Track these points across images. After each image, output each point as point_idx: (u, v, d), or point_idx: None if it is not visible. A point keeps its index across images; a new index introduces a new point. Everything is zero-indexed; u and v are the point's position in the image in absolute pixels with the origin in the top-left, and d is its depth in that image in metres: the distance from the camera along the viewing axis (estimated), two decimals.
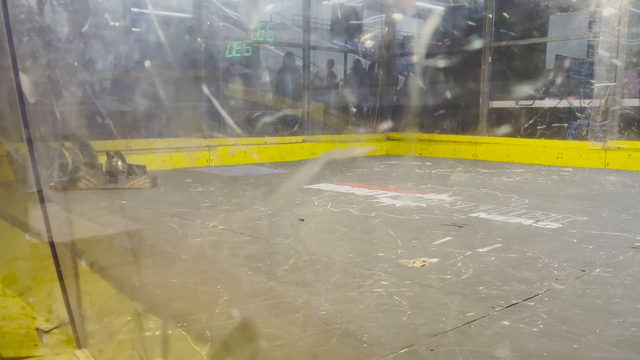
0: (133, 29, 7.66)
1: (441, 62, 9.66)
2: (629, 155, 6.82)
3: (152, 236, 3.23)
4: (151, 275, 2.47)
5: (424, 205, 4.33)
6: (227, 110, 8.14)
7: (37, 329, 1.37)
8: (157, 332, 1.79)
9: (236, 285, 2.33)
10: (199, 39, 7.64)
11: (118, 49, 7.39)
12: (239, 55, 8.80)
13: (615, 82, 7.07)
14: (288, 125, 8.93)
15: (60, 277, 1.26)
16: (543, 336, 1.81)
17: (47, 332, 1.36)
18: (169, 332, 1.80)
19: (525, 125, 8.09)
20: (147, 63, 7.50)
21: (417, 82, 9.87)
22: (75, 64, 6.69)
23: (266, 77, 9.25)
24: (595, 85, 7.26)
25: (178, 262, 2.69)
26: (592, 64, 7.43)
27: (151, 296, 2.17)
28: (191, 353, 1.68)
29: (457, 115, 8.99)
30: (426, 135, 9.21)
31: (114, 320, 1.85)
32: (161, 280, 2.40)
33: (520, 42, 8.31)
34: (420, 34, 10.36)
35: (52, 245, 1.27)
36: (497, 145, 8.16)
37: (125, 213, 3.99)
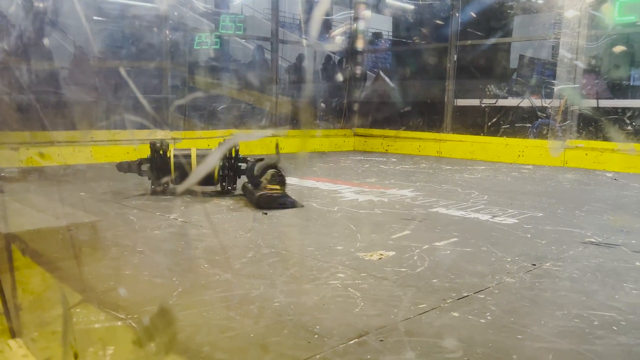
0: (96, 18, 7.48)
1: (409, 60, 9.77)
2: (586, 154, 7.03)
3: (109, 228, 3.18)
4: (104, 268, 2.44)
5: (386, 200, 4.38)
6: (194, 102, 8.04)
7: None
8: (96, 323, 1.77)
9: (192, 278, 2.31)
10: (166, 30, 7.52)
11: (80, 38, 7.22)
12: (207, 47, 8.70)
13: (575, 83, 7.27)
14: (256, 119, 8.88)
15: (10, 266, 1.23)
16: (490, 327, 1.86)
17: None
18: (109, 323, 1.78)
19: (489, 124, 8.25)
20: (111, 53, 7.35)
21: (385, 79, 9.95)
22: (35, 52, 6.50)
23: (234, 70, 9.19)
24: (556, 85, 7.45)
25: (134, 254, 2.65)
26: (554, 64, 7.62)
27: (102, 288, 2.14)
28: (127, 343, 1.66)
29: (422, 112, 9.11)
30: (392, 132, 9.29)
31: (51, 310, 1.82)
32: (114, 272, 2.36)
33: (485, 42, 8.45)
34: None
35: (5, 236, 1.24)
36: (460, 143, 8.30)
37: (83, 205, 3.91)
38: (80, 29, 7.21)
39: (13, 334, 1.23)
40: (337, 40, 10.46)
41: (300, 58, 9.88)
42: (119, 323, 1.80)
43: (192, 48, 8.32)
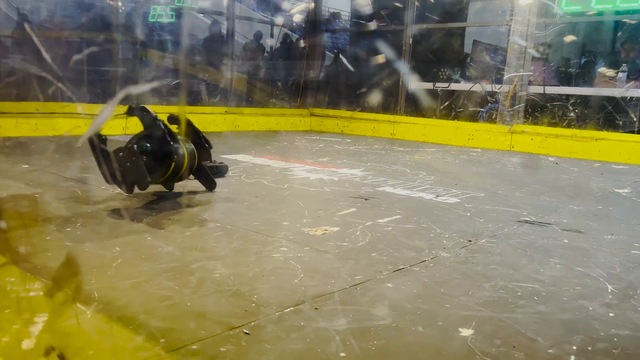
0: None
1: (366, 42, 9.82)
2: (532, 139, 7.30)
3: (51, 201, 3.12)
4: (45, 240, 2.40)
5: (336, 179, 4.45)
6: (146, 76, 7.86)
7: None
8: (20, 285, 1.76)
9: (133, 250, 2.31)
10: (118, 1, 7.29)
11: (25, 6, 6.91)
12: (162, 20, 8.49)
13: (524, 69, 7.51)
14: (210, 95, 8.77)
15: None
16: (420, 297, 1.95)
17: None
18: (36, 286, 1.78)
19: (441, 107, 8.43)
20: (58, 23, 7.07)
21: (342, 60, 9.97)
22: None
23: (190, 45, 9.00)
24: (506, 71, 7.67)
25: (75, 226, 2.62)
26: (505, 51, 7.83)
27: (39, 260, 2.12)
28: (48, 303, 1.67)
29: (378, 94, 9.21)
30: (348, 113, 9.36)
31: None
32: (56, 244, 2.34)
33: (440, 26, 8.59)
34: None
35: None
36: (413, 125, 8.46)
37: (26, 177, 3.81)
38: None
39: None
40: (296, 19, 10.39)
41: (257, 35, 9.77)
42: (41, 292, 1.79)
43: (146, 20, 8.10)
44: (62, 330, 1.52)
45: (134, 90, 6.57)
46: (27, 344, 1.41)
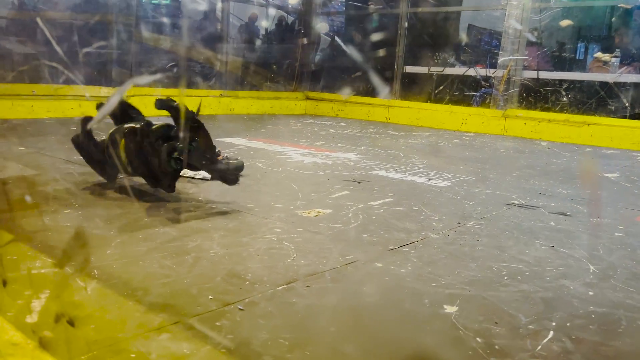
0: None
1: (361, 25, 9.80)
2: (525, 123, 7.37)
3: (48, 182, 3.17)
4: (43, 220, 2.46)
5: (330, 162, 4.51)
6: (141, 58, 7.85)
7: None
8: (26, 263, 1.83)
9: (130, 231, 2.37)
10: None
11: None
12: (157, 1, 8.45)
13: (518, 54, 7.54)
14: (205, 78, 8.77)
15: None
16: (409, 276, 2.03)
17: None
18: (39, 264, 1.85)
19: (436, 91, 8.47)
20: (53, 4, 7.03)
21: (338, 43, 9.97)
22: None
23: (185, 27, 8.97)
24: (500, 56, 7.70)
25: (72, 207, 2.68)
26: (500, 35, 7.86)
27: (38, 239, 2.18)
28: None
29: (373, 78, 9.23)
30: (343, 97, 9.39)
31: None
32: (53, 224, 2.39)
33: (435, 10, 8.59)
34: None
35: None
36: (408, 110, 8.50)
37: (23, 159, 3.85)
38: None
39: None
40: (292, 1, 10.35)
41: (252, 17, 9.74)
42: (47, 268, 1.86)
43: (141, 1, 8.07)
44: (69, 302, 1.59)
45: (140, 80, 6.55)
46: (36, 312, 1.48)
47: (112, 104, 2.81)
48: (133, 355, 1.35)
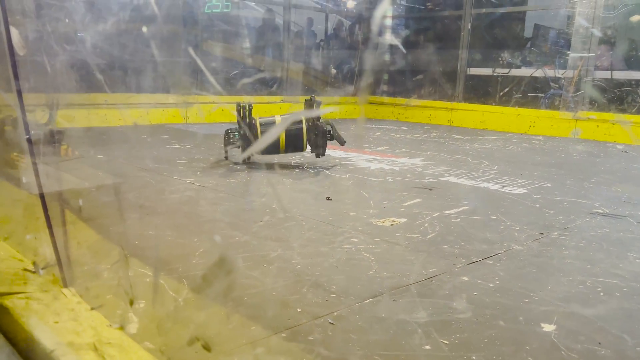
0: None
1: (422, 27, 9.67)
2: (598, 126, 7.03)
3: (128, 190, 3.28)
4: (128, 228, 2.54)
5: (397, 168, 4.45)
6: (205, 67, 8.05)
7: (26, 269, 1.44)
8: (140, 275, 1.88)
9: (212, 239, 2.41)
10: None
11: (96, 2, 7.20)
12: (218, 11, 8.64)
13: (589, 53, 7.20)
14: (267, 85, 8.89)
15: (49, 224, 1.33)
16: (498, 291, 1.95)
17: (34, 272, 1.44)
18: (151, 275, 1.89)
19: (501, 93, 8.22)
20: (123, 17, 7.32)
21: (398, 46, 9.86)
22: (57, 15, 6.50)
23: (245, 35, 9.14)
24: (570, 56, 7.38)
25: (154, 215, 2.76)
26: (569, 34, 7.54)
27: (129, 246, 2.25)
28: (171, 292, 1.77)
29: (434, 81, 9.07)
30: (403, 100, 9.28)
31: (99, 262, 1.93)
32: (138, 232, 2.47)
33: (500, 10, 8.34)
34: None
35: (42, 195, 1.34)
36: (472, 112, 8.29)
37: (103, 167, 4.01)
38: None
39: (65, 284, 1.34)
40: (350, 5, 10.34)
41: (310, 23, 9.79)
42: (147, 279, 1.91)
43: (203, 11, 8.28)
44: (193, 320, 1.63)
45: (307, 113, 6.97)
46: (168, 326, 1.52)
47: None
48: None
